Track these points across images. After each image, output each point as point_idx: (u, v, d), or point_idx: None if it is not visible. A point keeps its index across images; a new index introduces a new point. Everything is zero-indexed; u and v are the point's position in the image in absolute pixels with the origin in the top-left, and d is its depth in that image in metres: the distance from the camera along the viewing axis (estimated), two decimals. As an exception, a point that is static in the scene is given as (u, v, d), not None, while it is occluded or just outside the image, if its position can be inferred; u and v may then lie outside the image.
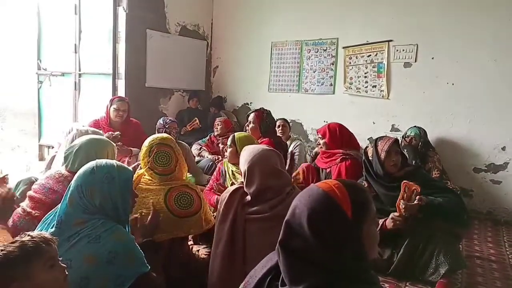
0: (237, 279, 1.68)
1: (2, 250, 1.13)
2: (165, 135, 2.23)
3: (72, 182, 1.57)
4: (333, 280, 0.96)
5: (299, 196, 1.07)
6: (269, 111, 3.54)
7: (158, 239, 1.80)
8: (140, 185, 2.03)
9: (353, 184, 1.08)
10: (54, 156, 2.90)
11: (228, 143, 2.83)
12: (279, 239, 1.04)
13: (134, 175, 1.99)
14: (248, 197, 1.93)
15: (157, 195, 1.97)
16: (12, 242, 1.17)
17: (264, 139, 3.30)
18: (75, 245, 1.44)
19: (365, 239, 1.01)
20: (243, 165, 1.95)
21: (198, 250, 2.28)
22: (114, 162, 1.64)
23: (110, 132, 3.31)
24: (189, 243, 2.24)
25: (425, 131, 3.97)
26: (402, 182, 2.34)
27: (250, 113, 3.53)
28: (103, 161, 1.61)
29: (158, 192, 1.98)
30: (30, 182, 2.34)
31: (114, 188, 1.55)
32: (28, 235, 1.19)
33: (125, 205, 1.59)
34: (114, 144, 2.38)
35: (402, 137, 4.03)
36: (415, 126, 4.02)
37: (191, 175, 3.21)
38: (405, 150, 3.74)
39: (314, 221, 0.98)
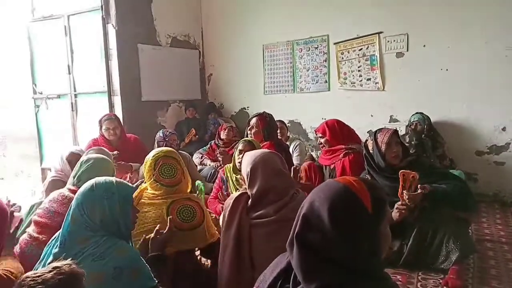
0: (246, 285, 1.68)
1: (56, 277, 1.11)
2: (167, 148, 2.29)
3: (73, 200, 1.59)
4: (348, 278, 0.96)
5: (317, 190, 1.06)
6: (271, 115, 3.52)
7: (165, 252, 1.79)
8: (142, 200, 2.03)
9: (371, 182, 1.09)
10: (51, 180, 2.89)
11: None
12: (295, 232, 1.03)
13: (136, 191, 2.01)
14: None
15: (159, 209, 1.97)
16: (51, 270, 1.14)
17: (265, 143, 3.29)
18: (79, 264, 1.44)
19: (381, 237, 1.02)
20: (246, 167, 1.95)
21: (207, 260, 2.27)
22: (113, 179, 1.65)
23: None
24: (197, 253, 2.23)
25: (428, 117, 3.97)
26: (400, 172, 2.33)
27: (251, 118, 3.48)
28: (102, 179, 1.63)
29: (160, 206, 1.98)
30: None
31: (114, 204, 1.55)
32: (62, 269, 1.16)
33: (126, 220, 1.59)
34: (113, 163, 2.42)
35: (407, 125, 4.04)
36: (417, 112, 4.02)
37: (202, 183, 3.18)
38: (414, 137, 3.76)
39: (336, 213, 0.97)
